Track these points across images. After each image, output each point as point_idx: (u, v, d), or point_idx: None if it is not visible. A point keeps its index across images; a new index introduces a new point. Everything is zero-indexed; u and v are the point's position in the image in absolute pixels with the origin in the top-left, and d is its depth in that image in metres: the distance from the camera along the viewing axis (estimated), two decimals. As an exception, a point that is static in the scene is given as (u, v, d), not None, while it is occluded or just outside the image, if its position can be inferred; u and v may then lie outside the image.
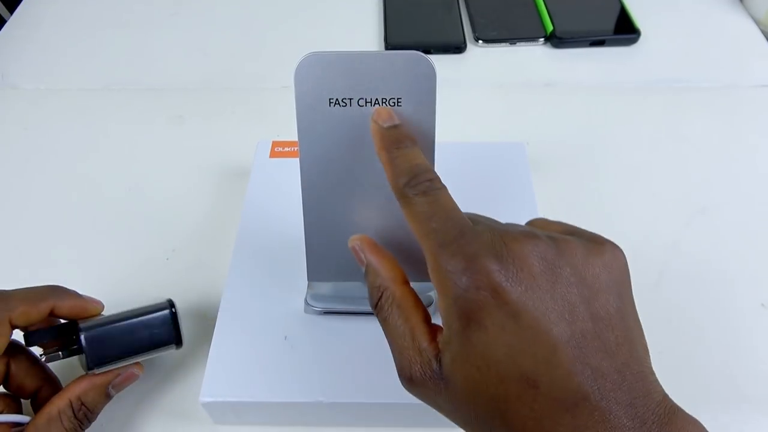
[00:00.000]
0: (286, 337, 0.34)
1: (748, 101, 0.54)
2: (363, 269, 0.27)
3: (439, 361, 0.23)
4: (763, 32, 0.60)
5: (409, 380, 0.24)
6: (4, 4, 0.75)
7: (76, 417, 0.31)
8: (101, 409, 0.32)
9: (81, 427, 0.31)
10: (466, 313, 0.22)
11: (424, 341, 0.24)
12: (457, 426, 0.24)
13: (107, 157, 0.50)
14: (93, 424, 0.32)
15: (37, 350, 0.33)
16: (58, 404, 0.30)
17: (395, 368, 0.25)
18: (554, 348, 0.20)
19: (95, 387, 0.32)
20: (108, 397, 0.32)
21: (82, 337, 0.31)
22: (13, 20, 0.65)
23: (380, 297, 0.26)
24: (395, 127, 0.27)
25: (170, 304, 0.34)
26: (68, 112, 0.55)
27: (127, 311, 0.33)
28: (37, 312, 0.31)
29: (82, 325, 0.32)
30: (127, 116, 0.54)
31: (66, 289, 0.33)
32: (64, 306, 0.32)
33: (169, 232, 0.44)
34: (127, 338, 0.32)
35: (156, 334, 0.33)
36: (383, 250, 0.28)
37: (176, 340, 0.33)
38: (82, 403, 0.31)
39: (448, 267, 0.22)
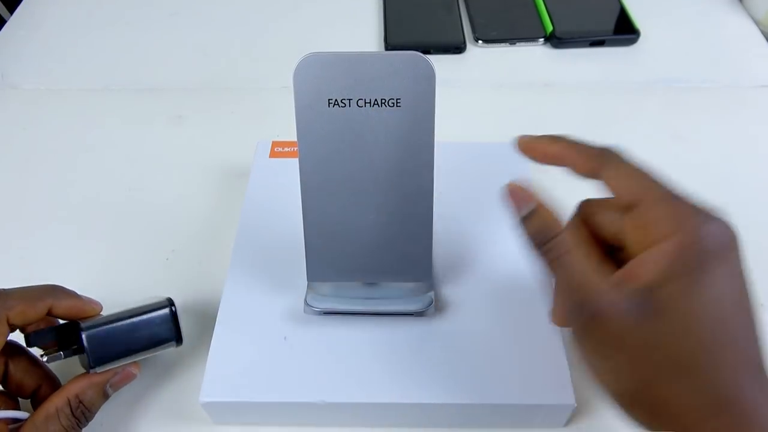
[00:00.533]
0: (286, 338, 0.34)
1: (748, 101, 0.54)
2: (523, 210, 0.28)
3: (649, 293, 0.23)
4: (762, 32, 0.60)
5: (592, 315, 0.24)
6: (4, 4, 0.75)
7: (74, 415, 0.31)
8: (99, 407, 0.32)
9: (78, 426, 0.31)
10: (706, 254, 0.23)
11: (621, 274, 0.24)
12: (617, 377, 0.24)
13: (107, 157, 0.50)
14: (92, 423, 0.32)
15: (38, 351, 0.33)
16: (56, 402, 0.31)
17: (557, 311, 0.27)
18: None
19: (93, 385, 0.32)
20: (106, 396, 0.33)
21: (84, 336, 0.31)
22: (13, 20, 0.65)
23: (555, 236, 0.26)
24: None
25: (170, 302, 0.34)
26: (68, 112, 0.55)
27: (127, 310, 0.33)
28: (34, 311, 0.31)
29: (83, 324, 0.32)
30: (127, 116, 0.54)
31: (65, 289, 0.33)
32: (62, 306, 0.32)
33: (169, 232, 0.44)
34: (127, 337, 0.32)
35: (156, 333, 0.33)
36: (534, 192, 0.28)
37: (176, 337, 0.34)
38: (80, 402, 0.31)
39: (695, 210, 0.24)
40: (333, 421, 0.34)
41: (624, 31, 0.59)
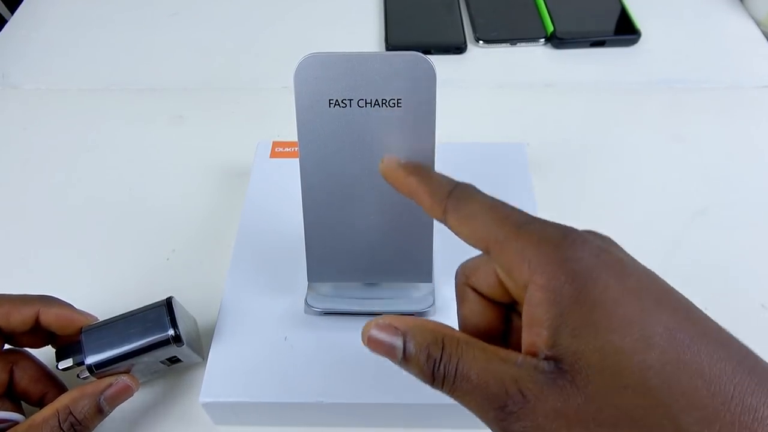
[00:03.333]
0: (286, 338, 0.34)
1: (748, 102, 0.54)
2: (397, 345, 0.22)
3: (551, 358, 0.19)
4: (763, 33, 0.60)
5: (511, 416, 0.19)
6: (5, 4, 0.75)
7: (60, 427, 0.29)
8: (94, 424, 0.31)
9: None
10: (578, 274, 0.19)
11: (515, 357, 0.19)
12: None
13: (107, 157, 0.50)
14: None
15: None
16: (45, 413, 0.30)
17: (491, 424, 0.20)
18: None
19: (85, 396, 0.30)
20: (101, 411, 0.31)
21: (81, 332, 0.32)
22: (14, 20, 0.65)
23: (441, 351, 0.21)
24: (408, 161, 0.26)
25: (167, 300, 0.33)
26: (68, 112, 0.55)
27: (128, 312, 0.33)
28: (19, 314, 0.31)
29: (84, 327, 0.32)
30: (128, 116, 0.54)
31: (57, 299, 0.33)
32: (51, 313, 0.31)
33: (169, 232, 0.44)
34: (123, 332, 0.32)
35: (151, 326, 0.32)
36: (401, 318, 0.22)
37: (174, 335, 0.32)
38: (71, 413, 0.30)
39: (543, 236, 0.20)
40: (333, 421, 0.34)
41: (625, 31, 0.59)
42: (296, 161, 0.31)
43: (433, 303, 0.34)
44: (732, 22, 0.62)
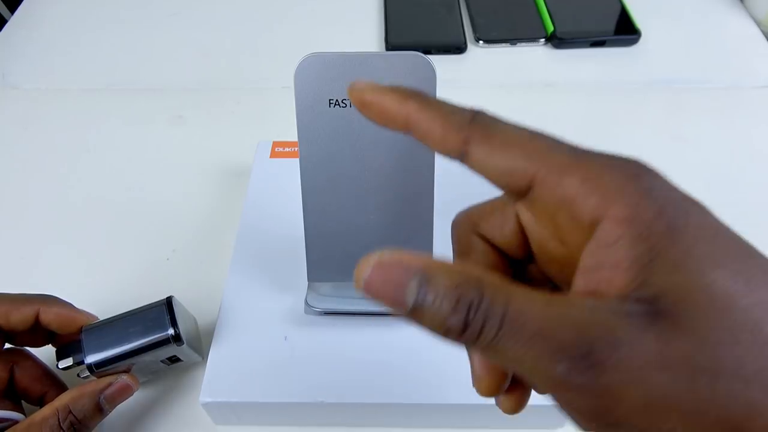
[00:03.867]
0: (286, 338, 0.34)
1: (748, 102, 0.54)
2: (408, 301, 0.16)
3: (641, 300, 0.15)
4: (764, 33, 0.60)
5: (600, 367, 0.14)
6: (5, 4, 0.75)
7: (60, 426, 0.29)
8: (94, 423, 0.31)
9: None
10: (669, 205, 0.16)
11: (581, 301, 0.16)
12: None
13: (107, 157, 0.50)
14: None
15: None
16: (44, 412, 0.29)
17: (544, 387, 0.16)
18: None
19: (84, 395, 0.30)
20: (100, 410, 0.31)
21: (82, 331, 0.32)
22: (14, 20, 0.65)
23: (481, 294, 0.15)
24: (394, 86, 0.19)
25: (167, 300, 0.33)
26: (68, 112, 0.54)
27: (126, 311, 0.33)
28: (19, 313, 0.31)
29: (85, 326, 0.32)
30: (127, 116, 0.54)
31: (58, 298, 0.33)
32: (51, 312, 0.31)
33: (170, 232, 0.44)
34: (123, 330, 0.32)
35: (150, 327, 0.32)
36: (412, 254, 0.16)
37: (174, 334, 0.32)
38: (70, 412, 0.30)
39: (614, 164, 0.16)
40: (333, 421, 0.34)
41: (625, 31, 0.59)
42: (296, 161, 0.31)
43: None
44: (732, 22, 0.62)
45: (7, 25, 0.64)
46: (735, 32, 0.61)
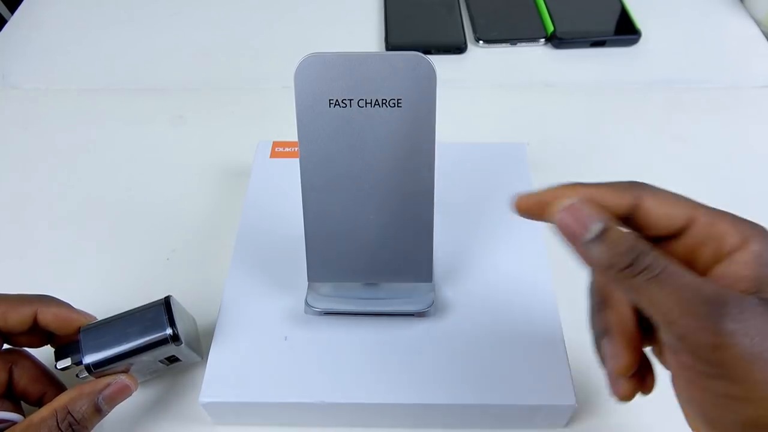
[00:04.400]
0: (286, 338, 0.34)
1: (748, 102, 0.54)
2: (588, 230, 0.23)
3: (756, 296, 0.21)
4: (764, 33, 0.60)
5: (731, 316, 0.20)
6: (5, 4, 0.75)
7: (59, 427, 0.29)
8: (92, 423, 0.31)
9: None
10: None
11: (724, 287, 0.22)
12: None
13: (107, 157, 0.50)
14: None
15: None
16: (43, 413, 0.29)
17: (677, 323, 0.21)
18: None
19: (83, 396, 0.30)
20: (99, 411, 0.31)
21: (80, 331, 0.32)
22: (14, 20, 0.65)
23: (645, 251, 0.22)
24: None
25: (166, 300, 0.33)
26: (68, 112, 0.54)
27: (125, 311, 0.33)
28: (17, 314, 0.31)
29: (83, 327, 0.32)
30: (127, 116, 0.54)
31: (56, 299, 0.33)
32: (49, 312, 0.31)
33: (169, 232, 0.44)
34: (121, 330, 0.32)
35: (149, 325, 0.32)
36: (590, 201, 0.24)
37: (172, 334, 0.32)
38: (69, 413, 0.30)
39: (745, 220, 0.24)
40: (333, 421, 0.34)
41: (625, 31, 0.59)
42: (296, 161, 0.31)
43: (433, 303, 0.34)
44: (732, 22, 0.62)
45: (7, 25, 0.64)
46: (735, 32, 0.61)
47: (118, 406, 0.32)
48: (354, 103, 0.29)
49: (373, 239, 0.33)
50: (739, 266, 0.22)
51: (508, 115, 0.53)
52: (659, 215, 0.24)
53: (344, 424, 0.35)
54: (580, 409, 0.33)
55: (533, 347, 0.33)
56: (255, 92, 0.56)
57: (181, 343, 0.32)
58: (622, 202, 0.25)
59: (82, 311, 0.33)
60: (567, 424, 0.34)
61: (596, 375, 0.35)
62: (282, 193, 0.41)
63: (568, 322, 0.34)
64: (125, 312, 0.33)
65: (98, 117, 0.54)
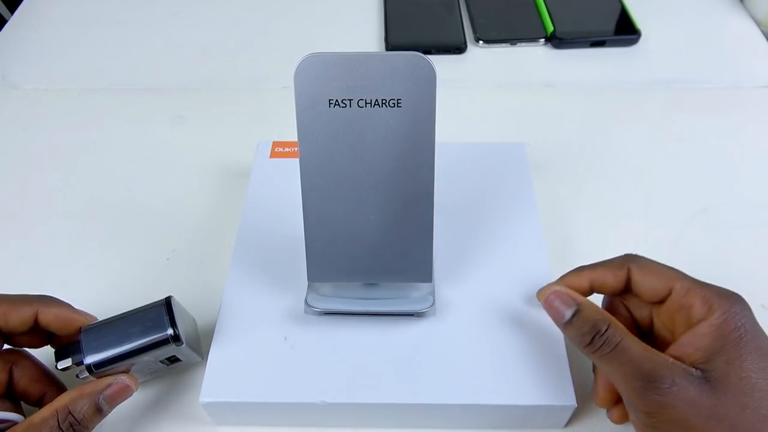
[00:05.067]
0: (286, 338, 0.34)
1: (748, 102, 0.54)
2: (566, 311, 0.30)
3: (703, 367, 0.26)
4: (763, 33, 0.60)
5: (667, 390, 0.26)
6: (5, 4, 0.75)
7: (60, 428, 0.29)
8: (93, 423, 0.31)
9: None
10: (742, 328, 0.27)
11: (667, 357, 0.27)
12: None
13: (107, 157, 0.50)
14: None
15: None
16: (44, 413, 0.29)
17: (629, 390, 0.27)
18: None
19: (83, 396, 0.30)
20: (100, 411, 0.31)
21: (81, 331, 0.32)
22: (14, 20, 0.65)
23: (606, 328, 0.28)
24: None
25: (167, 300, 0.33)
26: (68, 112, 0.55)
27: (126, 312, 0.33)
28: (18, 314, 0.31)
29: (84, 327, 0.32)
30: (127, 116, 0.54)
31: (56, 299, 0.33)
32: (50, 312, 0.31)
33: (169, 232, 0.44)
34: (122, 331, 0.32)
35: (149, 325, 0.32)
36: (576, 294, 0.31)
37: (173, 334, 0.32)
38: (70, 413, 0.29)
39: (720, 293, 0.28)
40: (333, 422, 0.34)
41: (625, 31, 0.59)
42: (296, 161, 0.31)
43: (433, 303, 0.34)
44: (732, 22, 0.62)
45: (7, 25, 0.64)
46: (735, 32, 0.61)
47: (118, 406, 0.32)
48: (354, 103, 0.29)
49: (373, 239, 0.33)
50: (697, 337, 0.27)
51: (508, 115, 0.53)
52: (645, 287, 0.30)
53: (344, 424, 0.35)
54: (580, 409, 0.33)
55: (533, 347, 0.33)
56: (255, 92, 0.56)
57: (182, 344, 0.32)
58: (618, 279, 0.31)
59: (83, 311, 0.33)
60: (567, 424, 0.34)
61: (596, 375, 0.35)
62: (282, 193, 0.41)
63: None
64: (126, 312, 0.33)
65: (98, 117, 0.54)
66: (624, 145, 0.50)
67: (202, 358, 0.36)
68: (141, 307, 0.33)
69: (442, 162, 0.32)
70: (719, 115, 0.53)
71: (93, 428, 0.31)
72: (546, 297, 0.31)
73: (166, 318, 0.32)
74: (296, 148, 0.30)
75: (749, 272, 0.41)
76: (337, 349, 0.34)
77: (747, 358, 0.26)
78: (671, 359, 0.27)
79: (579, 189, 0.47)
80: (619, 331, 0.28)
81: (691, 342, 0.27)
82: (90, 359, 0.31)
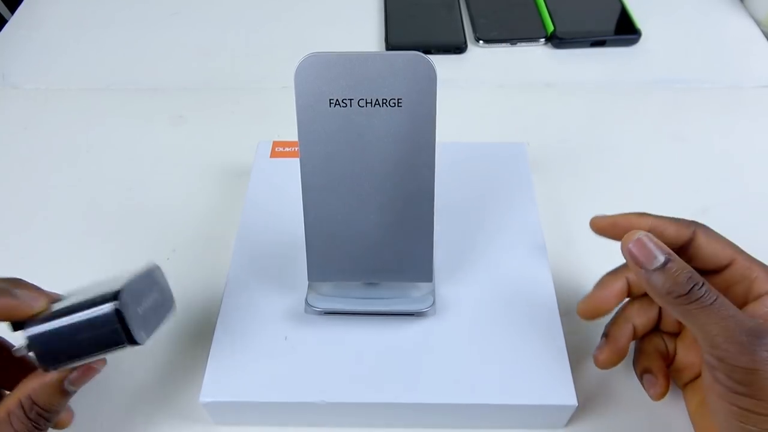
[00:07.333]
0: (286, 338, 0.34)
1: (748, 102, 0.54)
2: (654, 260, 0.28)
3: None
4: (764, 33, 0.60)
5: (764, 345, 0.25)
6: (5, 4, 0.75)
7: (28, 417, 0.28)
8: (61, 407, 0.29)
9: (38, 427, 0.28)
10: None
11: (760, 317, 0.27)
12: None
13: (107, 157, 0.50)
14: (92, 423, 0.32)
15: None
16: (8, 405, 0.28)
17: (718, 343, 0.26)
18: None
19: (47, 386, 0.28)
20: (65, 393, 0.29)
21: (26, 337, 0.28)
22: (14, 20, 0.65)
23: (701, 282, 0.27)
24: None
25: (116, 309, 0.27)
26: (68, 112, 0.54)
27: (74, 302, 0.28)
28: None
29: (27, 324, 0.28)
30: (127, 116, 0.54)
31: (19, 282, 0.30)
32: None
33: (170, 232, 0.44)
34: (73, 339, 0.28)
35: (102, 337, 0.27)
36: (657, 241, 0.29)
37: (128, 339, 0.27)
38: (34, 403, 0.28)
39: None
40: (333, 421, 0.34)
41: (625, 31, 0.59)
42: (296, 161, 0.31)
43: (433, 303, 0.34)
44: (732, 22, 0.62)
45: (7, 25, 0.64)
46: (735, 32, 0.61)
47: (118, 406, 0.32)
48: (354, 102, 0.29)
49: (373, 239, 0.33)
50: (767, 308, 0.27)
51: (508, 115, 0.53)
52: (708, 252, 0.30)
53: (344, 424, 0.35)
54: (580, 409, 0.33)
55: (533, 347, 0.33)
56: (255, 92, 0.56)
57: (145, 339, 0.28)
58: (680, 235, 0.30)
59: (28, 299, 0.29)
60: (567, 424, 0.34)
61: (596, 375, 0.35)
62: (282, 193, 0.41)
63: (568, 322, 0.34)
64: (72, 309, 0.28)
65: (98, 117, 0.54)
66: (624, 144, 0.50)
67: (173, 305, 0.33)
68: (88, 310, 0.27)
69: (442, 161, 0.32)
70: (719, 115, 0.53)
71: (62, 410, 0.30)
72: (635, 240, 0.29)
73: (118, 328, 0.27)
74: (296, 148, 0.30)
75: (749, 272, 0.41)
76: (337, 349, 0.34)
77: None
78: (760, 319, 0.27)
79: (579, 189, 0.47)
80: (714, 289, 0.27)
81: (763, 313, 0.27)
82: (44, 363, 0.28)
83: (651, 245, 0.28)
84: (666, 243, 0.29)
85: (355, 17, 0.63)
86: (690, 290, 0.27)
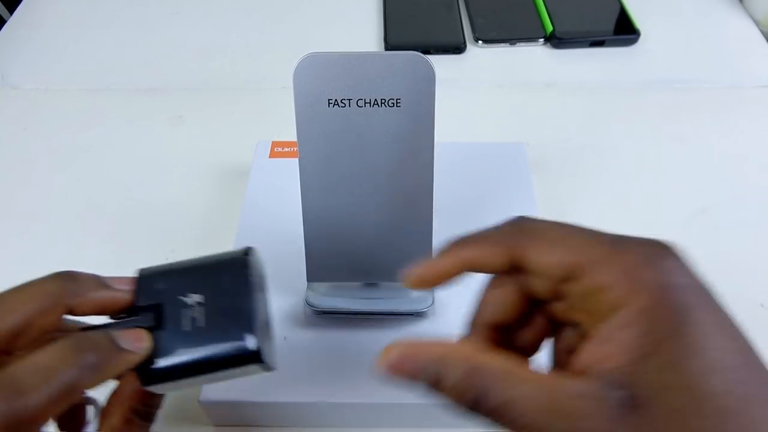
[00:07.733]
0: (285, 338, 0.34)
1: (747, 102, 0.54)
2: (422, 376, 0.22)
3: (625, 378, 0.17)
4: (763, 33, 0.60)
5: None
6: (4, 4, 0.75)
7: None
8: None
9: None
10: (678, 307, 0.18)
11: (573, 385, 0.18)
12: None
13: (107, 157, 0.50)
14: (90, 421, 0.32)
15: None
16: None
17: None
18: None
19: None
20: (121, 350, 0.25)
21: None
22: (13, 20, 0.65)
23: (479, 391, 0.20)
24: None
25: (249, 329, 0.25)
26: (68, 112, 0.55)
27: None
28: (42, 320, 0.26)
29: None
30: (127, 116, 0.54)
31: (77, 278, 0.29)
32: (86, 304, 0.28)
33: (169, 232, 0.44)
34: (195, 369, 0.26)
35: (233, 365, 0.26)
36: (424, 342, 0.22)
37: (262, 367, 0.26)
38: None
39: (642, 257, 0.19)
40: (333, 421, 0.34)
41: (624, 31, 0.59)
42: (296, 161, 0.31)
43: (433, 303, 0.35)
44: (732, 22, 0.62)
45: (6, 25, 0.64)
46: (735, 32, 0.61)
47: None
48: (353, 102, 0.29)
49: (372, 239, 0.33)
50: (620, 330, 0.18)
51: (508, 115, 0.53)
52: (540, 266, 0.21)
53: (344, 424, 0.35)
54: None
55: (533, 347, 0.33)
56: (254, 92, 0.56)
57: (276, 364, 0.26)
58: (496, 259, 0.22)
59: (115, 287, 0.29)
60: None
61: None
62: (281, 193, 0.41)
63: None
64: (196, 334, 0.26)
65: (98, 117, 0.54)
66: (623, 144, 0.50)
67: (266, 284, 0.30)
68: (221, 346, 0.25)
69: (441, 162, 0.32)
70: (719, 115, 0.53)
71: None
72: (387, 368, 0.23)
73: (259, 367, 0.26)
74: (296, 148, 0.31)
75: (749, 272, 0.41)
76: (337, 349, 0.34)
77: (697, 354, 0.17)
78: (582, 386, 0.18)
79: (578, 189, 0.47)
80: (495, 379, 0.19)
81: (611, 338, 0.18)
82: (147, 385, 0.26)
83: (408, 366, 0.22)
84: (491, 271, 0.23)
85: (355, 17, 0.63)
86: (475, 403, 0.20)
